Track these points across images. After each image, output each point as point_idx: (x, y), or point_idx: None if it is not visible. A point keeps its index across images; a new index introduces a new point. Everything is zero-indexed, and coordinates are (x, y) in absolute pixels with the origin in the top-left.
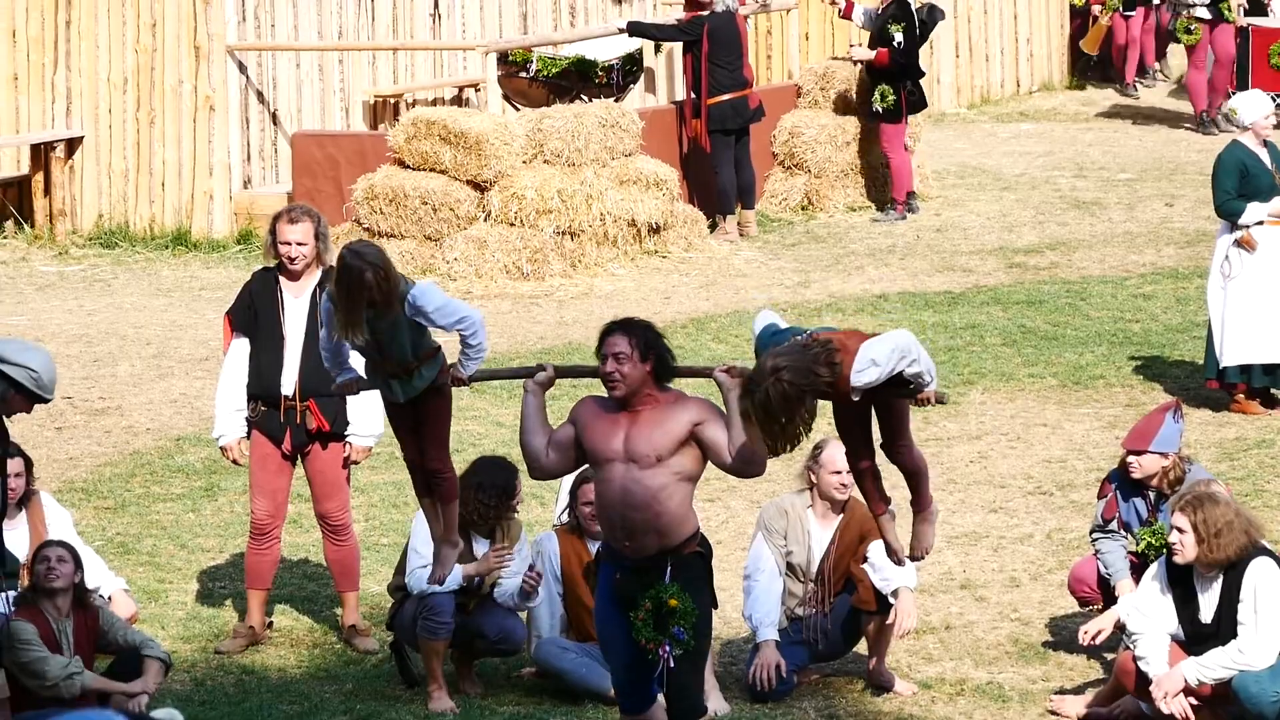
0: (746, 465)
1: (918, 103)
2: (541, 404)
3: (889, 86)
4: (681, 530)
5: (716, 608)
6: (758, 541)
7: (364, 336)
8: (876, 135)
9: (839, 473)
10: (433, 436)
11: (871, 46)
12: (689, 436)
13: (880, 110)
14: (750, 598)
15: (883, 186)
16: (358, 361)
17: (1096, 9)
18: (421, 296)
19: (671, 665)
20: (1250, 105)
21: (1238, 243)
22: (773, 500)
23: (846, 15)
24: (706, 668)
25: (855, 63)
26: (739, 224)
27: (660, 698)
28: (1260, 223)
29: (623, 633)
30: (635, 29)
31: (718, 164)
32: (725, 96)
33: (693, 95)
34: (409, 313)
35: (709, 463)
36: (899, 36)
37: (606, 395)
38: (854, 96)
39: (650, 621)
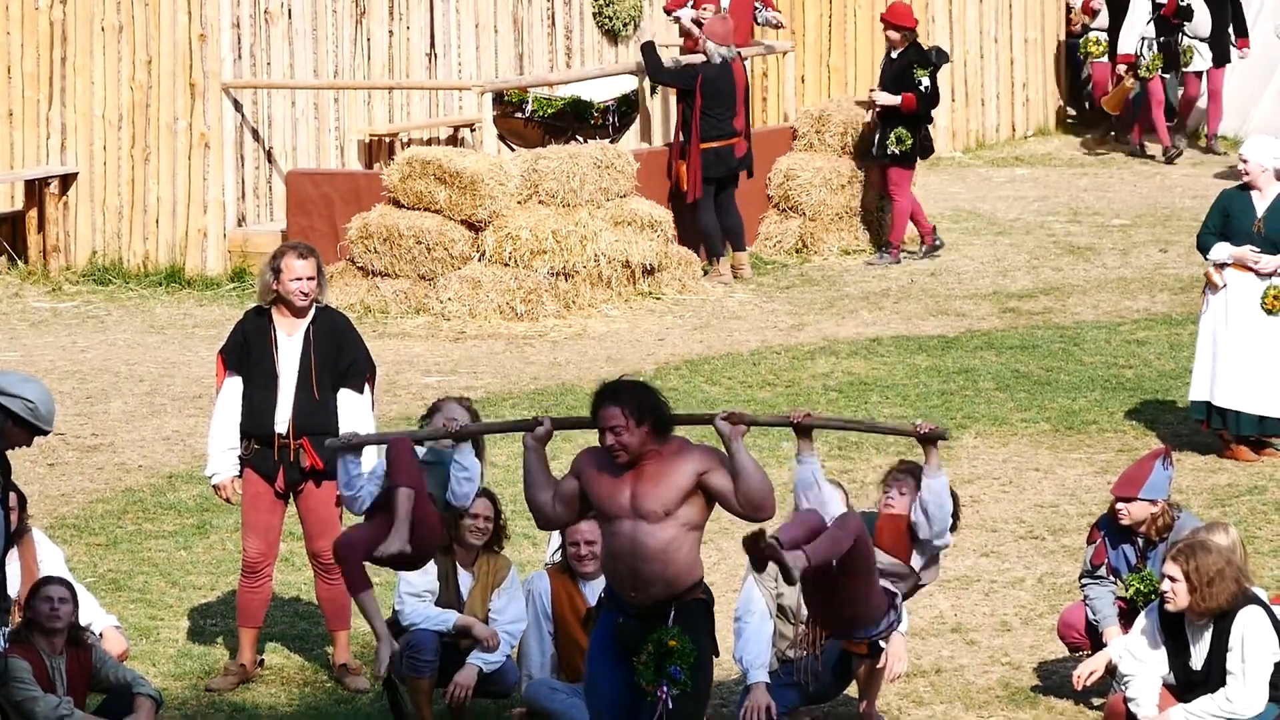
0: (756, 511)
1: (929, 148)
2: (543, 458)
3: (906, 130)
4: (689, 579)
5: (718, 655)
6: (749, 584)
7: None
8: (879, 179)
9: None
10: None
11: (887, 90)
12: (695, 487)
13: (895, 153)
14: (741, 639)
15: (878, 230)
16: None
17: (1123, 68)
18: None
19: (670, 706)
20: (1250, 149)
21: (1205, 276)
22: None
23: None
24: None
25: (873, 107)
26: (733, 266)
27: None
28: (1224, 266)
29: (614, 677)
30: (647, 51)
31: (699, 209)
32: (711, 144)
33: (680, 140)
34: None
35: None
36: (925, 81)
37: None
38: (851, 140)
39: (651, 665)
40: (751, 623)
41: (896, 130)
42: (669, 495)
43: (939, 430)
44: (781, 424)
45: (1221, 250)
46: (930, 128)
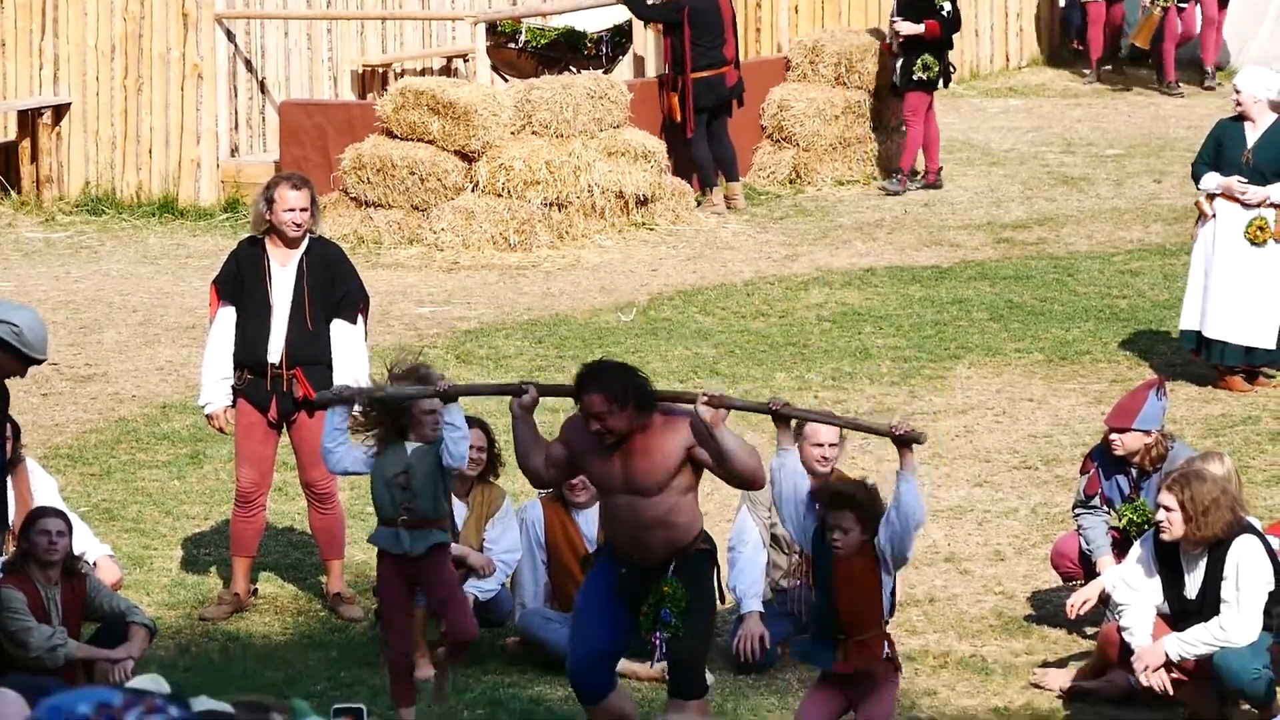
0: (747, 485)
1: (948, 75)
2: (532, 424)
3: (933, 57)
4: (690, 535)
5: (723, 602)
6: (742, 513)
7: (401, 466)
8: (894, 107)
9: (820, 445)
10: (451, 616)
11: (906, 18)
12: (685, 460)
13: (922, 79)
14: (735, 569)
15: (869, 161)
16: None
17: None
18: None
19: (664, 650)
20: (1244, 79)
21: (1196, 205)
22: None
23: None
24: None
25: (894, 36)
26: (726, 196)
27: (619, 686)
28: (1213, 196)
29: (605, 617)
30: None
31: (692, 140)
32: (702, 74)
33: (672, 73)
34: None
35: None
36: (948, 6)
37: None
38: (844, 70)
39: (651, 615)
40: (745, 553)
41: (923, 57)
42: (660, 471)
43: (915, 434)
44: (760, 410)
45: (1211, 180)
46: (950, 54)
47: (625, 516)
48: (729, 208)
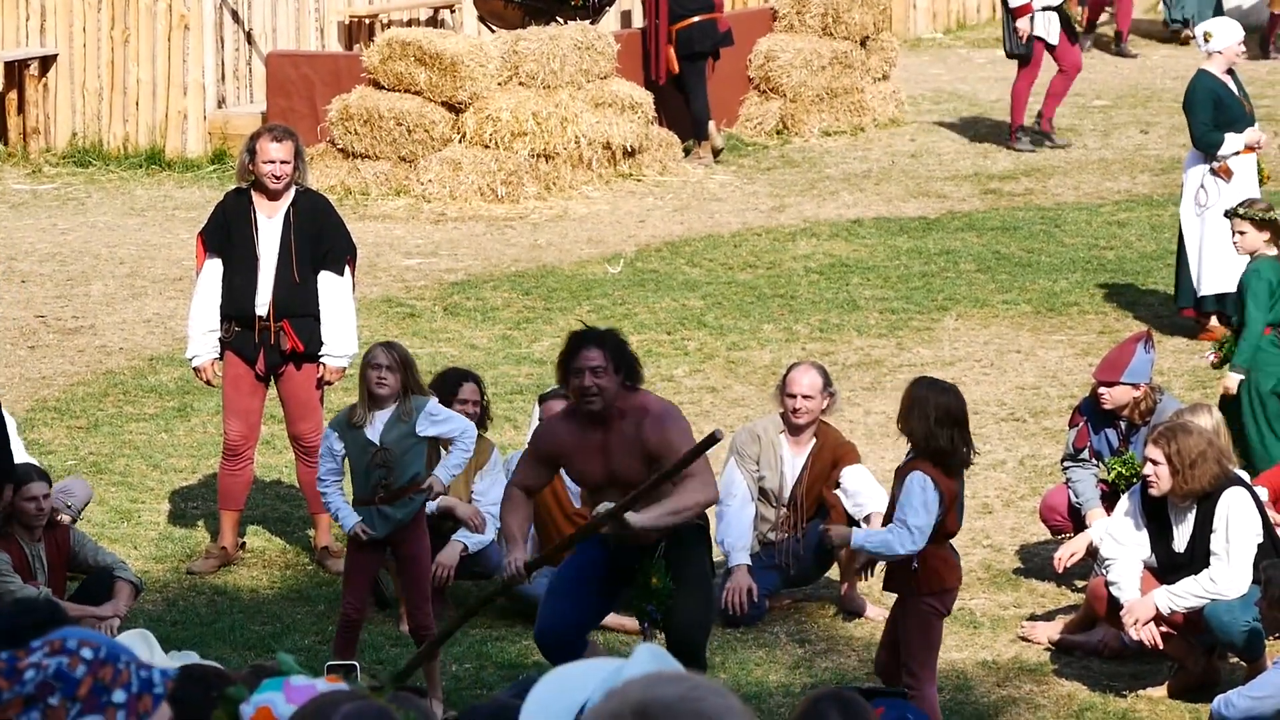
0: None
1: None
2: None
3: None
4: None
5: (715, 575)
6: (730, 466)
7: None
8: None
9: (794, 396)
10: (416, 582)
11: None
12: (653, 454)
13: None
14: (722, 522)
15: (856, 112)
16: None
17: None
18: (434, 405)
19: (647, 638)
20: (1223, 30)
21: (1214, 171)
22: (746, 425)
23: None
24: None
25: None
26: (697, 149)
27: (591, 644)
28: (1236, 152)
29: (582, 590)
30: None
31: (692, 89)
32: (694, 19)
33: (661, 24)
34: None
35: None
36: None
37: (575, 409)
38: (831, 21)
39: (641, 594)
40: (733, 506)
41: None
42: (638, 463)
43: (715, 435)
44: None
45: (1235, 141)
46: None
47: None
48: (697, 158)
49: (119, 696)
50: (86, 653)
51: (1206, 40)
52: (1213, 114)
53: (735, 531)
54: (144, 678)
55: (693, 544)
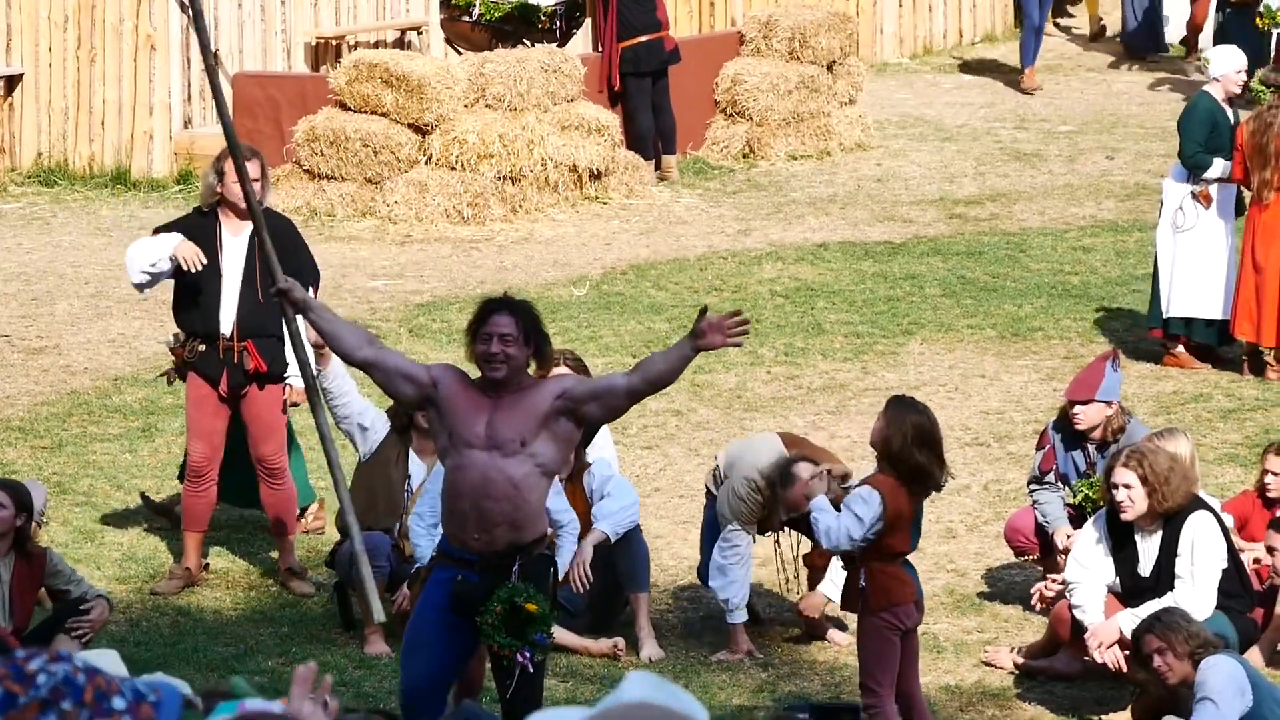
0: (651, 386)
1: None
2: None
3: None
4: (535, 527)
5: (557, 615)
6: (734, 529)
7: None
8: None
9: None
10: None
11: None
12: (554, 411)
13: None
14: (726, 578)
15: (823, 136)
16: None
17: None
18: None
19: (531, 670)
20: (1222, 58)
21: (1195, 195)
22: (738, 486)
23: None
24: (643, 614)
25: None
26: (662, 169)
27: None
28: (1220, 179)
29: (443, 638)
30: None
31: (634, 108)
32: (641, 39)
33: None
34: None
35: (602, 424)
36: None
37: (481, 375)
38: (799, 45)
39: (502, 626)
40: (738, 566)
41: None
42: (527, 422)
43: None
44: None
45: (1221, 166)
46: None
47: (475, 480)
48: (662, 180)
49: (119, 704)
50: (79, 662)
51: (1205, 67)
52: (1207, 136)
53: (741, 591)
54: (134, 688)
55: (544, 577)
